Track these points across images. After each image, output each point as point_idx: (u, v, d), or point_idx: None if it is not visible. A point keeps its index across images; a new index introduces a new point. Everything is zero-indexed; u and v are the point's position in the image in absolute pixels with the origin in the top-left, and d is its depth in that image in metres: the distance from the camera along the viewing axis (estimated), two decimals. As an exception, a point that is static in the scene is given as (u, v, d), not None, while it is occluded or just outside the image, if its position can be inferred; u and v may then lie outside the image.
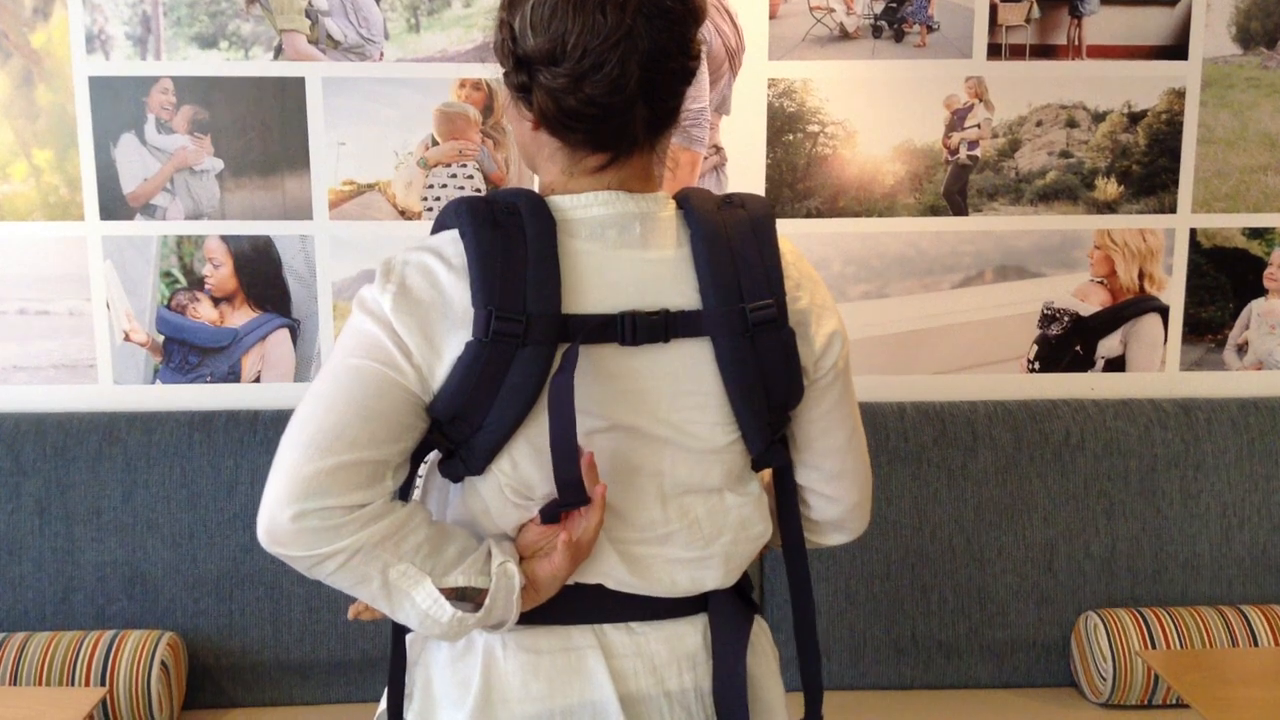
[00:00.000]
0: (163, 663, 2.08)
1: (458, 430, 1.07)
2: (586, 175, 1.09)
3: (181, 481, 2.19)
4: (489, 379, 1.03)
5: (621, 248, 1.08)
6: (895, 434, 2.25)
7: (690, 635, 1.16)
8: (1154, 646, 2.14)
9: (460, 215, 1.06)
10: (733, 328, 1.08)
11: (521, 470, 1.08)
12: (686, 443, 1.11)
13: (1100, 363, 2.40)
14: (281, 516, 0.99)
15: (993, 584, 2.26)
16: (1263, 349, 2.42)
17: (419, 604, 1.04)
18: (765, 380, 1.10)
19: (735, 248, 1.09)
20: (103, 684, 2.04)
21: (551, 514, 1.07)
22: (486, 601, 1.06)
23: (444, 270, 1.05)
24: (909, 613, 2.26)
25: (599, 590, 1.12)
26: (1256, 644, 2.14)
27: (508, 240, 1.04)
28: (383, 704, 1.21)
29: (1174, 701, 2.17)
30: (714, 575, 1.16)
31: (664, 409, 1.10)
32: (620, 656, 1.13)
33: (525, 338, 1.02)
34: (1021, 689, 2.28)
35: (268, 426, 2.22)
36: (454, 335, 1.04)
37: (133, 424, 2.22)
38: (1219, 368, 2.42)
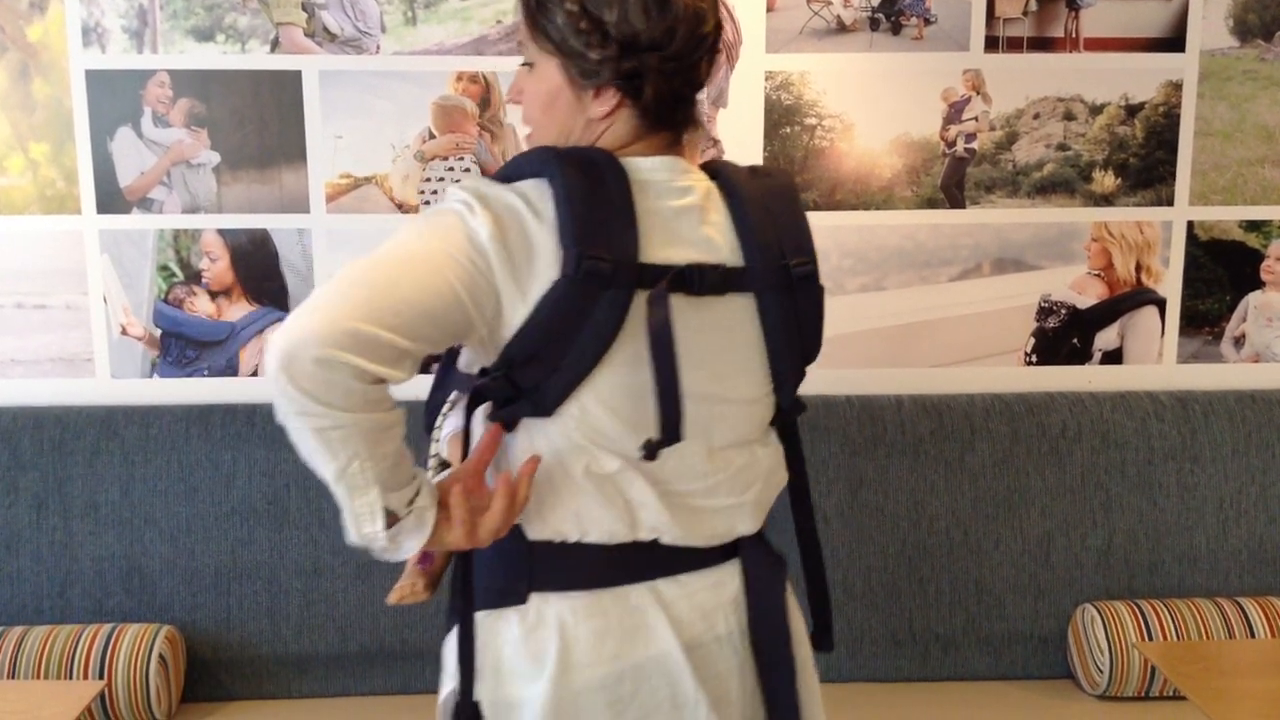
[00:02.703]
0: (161, 656, 2.08)
1: (530, 375, 1.10)
2: (655, 153, 1.16)
3: (179, 475, 2.19)
4: (572, 318, 1.07)
5: (682, 211, 1.14)
6: (893, 427, 2.25)
7: (730, 581, 1.22)
8: (1151, 639, 2.14)
9: (547, 162, 1.10)
10: (777, 283, 1.15)
11: (591, 416, 1.12)
12: (732, 396, 1.18)
13: (1097, 355, 2.40)
14: (306, 353, 0.97)
15: (990, 576, 2.26)
16: (1260, 341, 2.42)
17: (359, 505, 1.04)
18: (802, 334, 1.19)
19: (772, 210, 1.17)
20: (101, 677, 2.04)
21: (651, 453, 1.11)
22: (394, 529, 1.06)
23: (531, 217, 1.08)
24: (906, 605, 2.26)
25: (651, 546, 1.17)
26: (1253, 635, 2.15)
27: (593, 186, 1.09)
28: (445, 690, 1.22)
29: (1170, 693, 2.17)
30: (747, 522, 1.23)
31: (714, 364, 1.16)
32: (676, 607, 1.18)
33: (611, 279, 1.07)
34: (1018, 681, 2.28)
35: (265, 420, 2.21)
36: (540, 278, 1.07)
37: (130, 418, 2.22)
38: (1216, 360, 2.42)
